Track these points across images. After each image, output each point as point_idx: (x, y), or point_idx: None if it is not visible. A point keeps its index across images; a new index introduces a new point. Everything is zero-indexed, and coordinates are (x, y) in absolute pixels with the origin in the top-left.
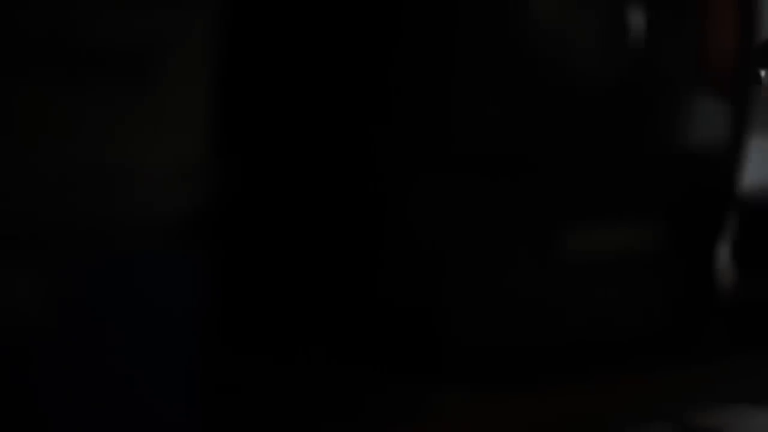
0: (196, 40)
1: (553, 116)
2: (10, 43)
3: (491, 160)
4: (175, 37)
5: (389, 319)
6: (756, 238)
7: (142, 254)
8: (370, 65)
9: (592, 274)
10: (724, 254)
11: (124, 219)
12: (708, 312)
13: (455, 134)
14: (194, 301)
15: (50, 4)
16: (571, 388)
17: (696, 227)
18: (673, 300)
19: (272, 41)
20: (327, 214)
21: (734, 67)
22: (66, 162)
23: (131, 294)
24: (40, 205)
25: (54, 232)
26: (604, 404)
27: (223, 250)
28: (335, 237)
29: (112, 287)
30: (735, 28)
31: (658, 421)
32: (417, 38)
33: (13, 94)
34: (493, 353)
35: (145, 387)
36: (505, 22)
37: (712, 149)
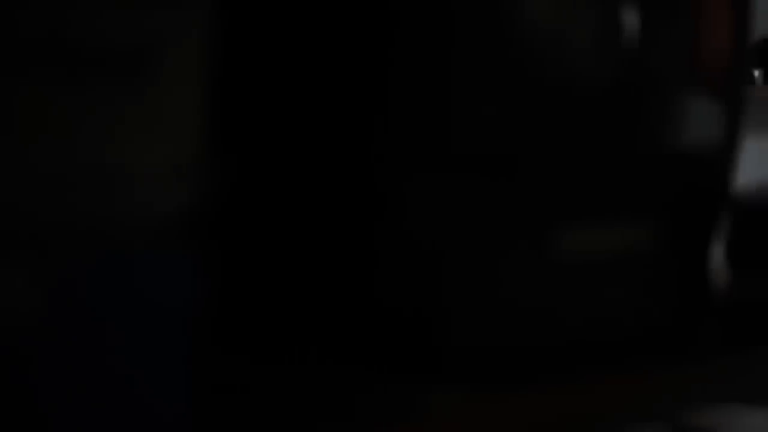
0: (192, 41)
1: (549, 116)
2: (6, 42)
3: (487, 161)
4: (171, 37)
5: (385, 319)
6: (750, 238)
7: (137, 253)
8: (366, 65)
9: (586, 274)
10: (717, 254)
11: (120, 218)
12: (702, 312)
13: (452, 135)
14: (189, 300)
15: (47, 4)
16: (566, 388)
17: (690, 227)
18: (668, 300)
19: (268, 41)
20: (323, 214)
21: (728, 67)
22: (61, 161)
23: (126, 293)
24: (35, 204)
25: (48, 231)
26: (599, 404)
27: (219, 250)
28: (331, 237)
29: (107, 286)
30: (728, 28)
31: (652, 421)
32: (413, 38)
33: (8, 93)
34: (489, 353)
35: (139, 385)
36: (501, 22)
37: (706, 149)
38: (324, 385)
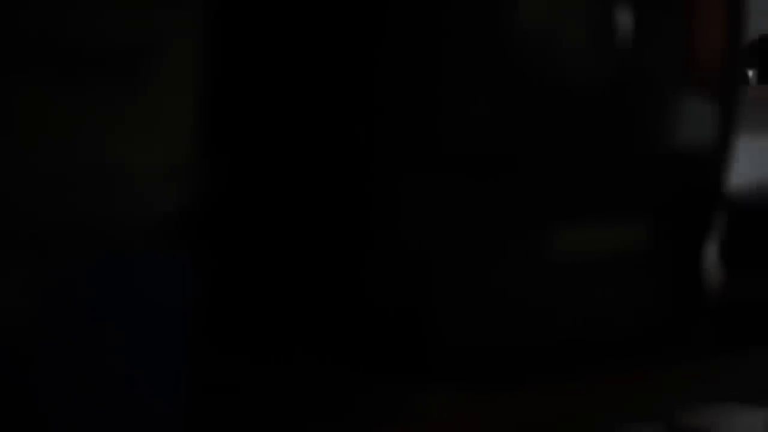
0: (186, 42)
1: (542, 116)
2: (3, 42)
3: (480, 160)
4: (166, 38)
5: (377, 319)
6: (743, 238)
7: (131, 253)
8: (358, 66)
9: (579, 273)
10: (712, 254)
11: (114, 218)
12: (696, 311)
13: (444, 134)
14: (183, 300)
15: (43, 4)
16: (559, 388)
17: (684, 227)
18: (661, 299)
19: (261, 42)
20: (314, 215)
21: (722, 67)
22: (56, 161)
23: (119, 293)
24: (29, 204)
25: (42, 230)
26: (593, 404)
27: (212, 250)
28: (322, 237)
29: (100, 286)
30: (722, 28)
31: (646, 421)
32: (405, 39)
33: (4, 93)
34: (481, 353)
35: (133, 385)
36: (494, 22)
37: (700, 149)
38: (315, 385)
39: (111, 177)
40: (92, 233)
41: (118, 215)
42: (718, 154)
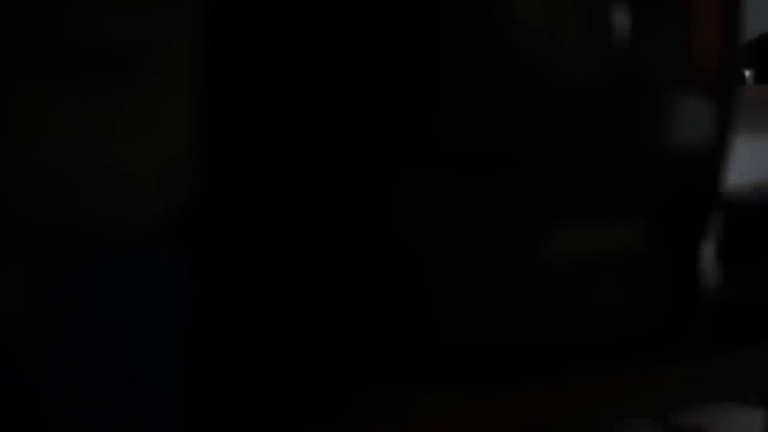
0: (182, 41)
1: (539, 116)
2: None
3: (477, 160)
4: (163, 38)
5: (374, 319)
6: (740, 238)
7: (127, 253)
8: (355, 66)
9: (577, 273)
10: (708, 254)
11: (110, 218)
12: (693, 311)
13: (442, 135)
14: (179, 300)
15: (39, 4)
16: (556, 388)
17: (681, 227)
18: (658, 299)
19: (258, 41)
20: (312, 214)
21: (719, 66)
22: (51, 161)
23: (115, 293)
24: (24, 203)
25: (38, 230)
26: (589, 404)
27: (209, 249)
28: (320, 237)
29: (97, 285)
30: (720, 28)
31: (643, 421)
32: (403, 39)
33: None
34: (479, 353)
35: (129, 385)
36: (491, 21)
37: (697, 149)
38: (312, 385)
39: (108, 176)
40: (89, 232)
41: (116, 215)
42: (716, 154)
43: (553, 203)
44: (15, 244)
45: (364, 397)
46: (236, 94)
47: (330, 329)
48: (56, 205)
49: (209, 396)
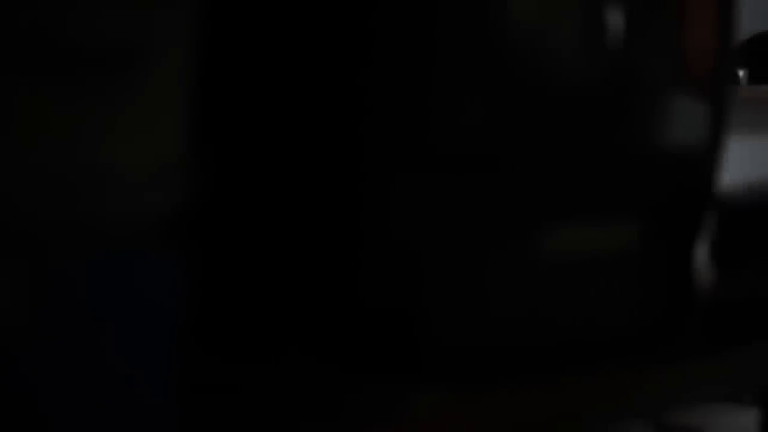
0: (177, 42)
1: (533, 116)
2: None
3: (471, 160)
4: (155, 39)
5: (368, 319)
6: (734, 238)
7: (122, 253)
8: (349, 66)
9: (570, 273)
10: (702, 254)
11: (105, 218)
12: (687, 311)
13: (436, 135)
14: (173, 300)
15: (34, 4)
16: (550, 388)
17: (674, 227)
18: (652, 299)
19: (252, 42)
20: (305, 215)
21: (713, 67)
22: (44, 162)
23: (109, 293)
24: (19, 203)
25: (33, 230)
26: (583, 404)
27: (203, 249)
28: (314, 237)
29: (90, 287)
30: (714, 28)
31: (637, 420)
32: (397, 39)
33: None
34: (472, 353)
35: (123, 385)
36: (486, 22)
37: (691, 149)
38: (307, 385)
39: (102, 176)
40: (82, 232)
41: (111, 215)
42: (709, 154)
43: (547, 203)
44: (10, 243)
45: (358, 397)
46: (230, 95)
47: (323, 329)
48: (50, 205)
49: (203, 395)
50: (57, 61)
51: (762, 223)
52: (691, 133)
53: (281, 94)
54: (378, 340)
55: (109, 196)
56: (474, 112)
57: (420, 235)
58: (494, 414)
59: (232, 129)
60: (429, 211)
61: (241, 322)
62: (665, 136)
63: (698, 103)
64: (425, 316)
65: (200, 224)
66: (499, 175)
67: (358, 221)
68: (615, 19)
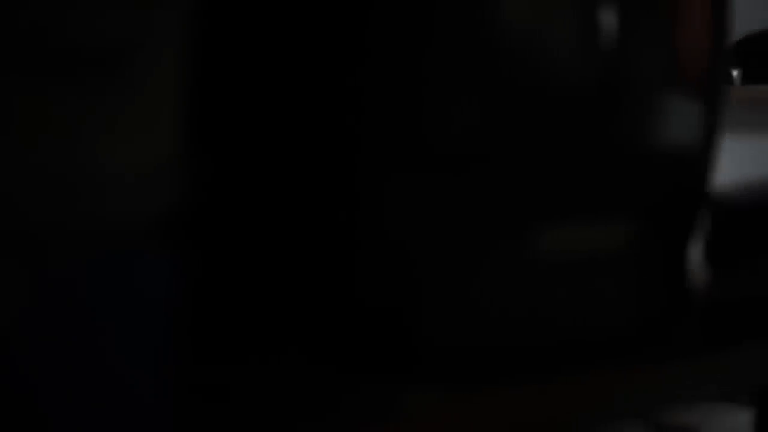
0: (170, 41)
1: (528, 116)
2: None
3: (466, 160)
4: (149, 38)
5: (362, 319)
6: (728, 238)
7: (115, 254)
8: (342, 66)
9: (565, 273)
10: (696, 253)
11: (100, 218)
12: (681, 311)
13: (431, 134)
14: (167, 301)
15: (26, 4)
16: (545, 387)
17: (669, 227)
18: (647, 299)
19: (246, 41)
20: (300, 214)
21: (706, 67)
22: (38, 162)
23: (104, 294)
24: (12, 204)
25: (26, 229)
26: (578, 403)
27: (197, 249)
28: (308, 237)
29: (85, 288)
30: (707, 28)
31: (631, 420)
32: (390, 38)
33: None
34: (467, 353)
35: (117, 385)
36: (480, 22)
37: (685, 149)
38: (301, 385)
39: (95, 178)
40: (78, 235)
41: (109, 215)
42: (703, 154)
43: (542, 203)
44: (3, 243)
45: (353, 397)
46: (226, 94)
47: (319, 329)
48: (45, 205)
49: (199, 395)
50: (54, 61)
51: (757, 222)
52: (685, 132)
53: (277, 94)
54: (373, 339)
55: (106, 197)
56: (469, 112)
57: (415, 234)
58: (489, 413)
59: (227, 129)
60: (424, 210)
61: (237, 321)
62: (659, 136)
63: (692, 104)
64: (420, 315)
65: (196, 224)
66: (495, 175)
67: (353, 221)
68: (609, 19)
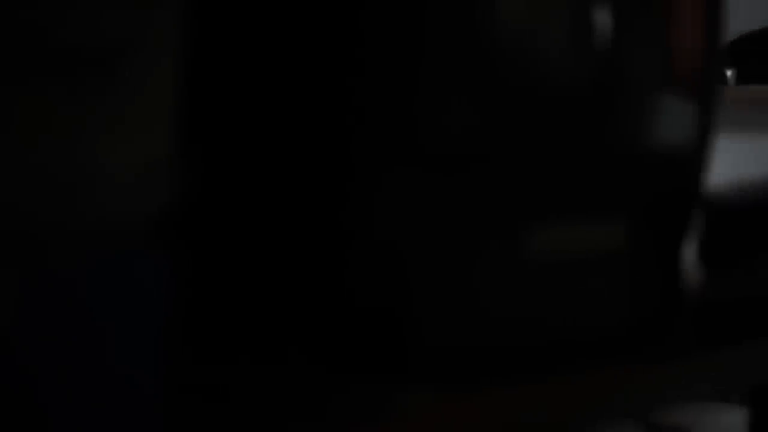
0: (163, 40)
1: (520, 116)
2: None
3: (459, 160)
4: (141, 37)
5: (356, 319)
6: (722, 238)
7: (107, 255)
8: (335, 65)
9: (558, 273)
10: (690, 254)
11: (89, 219)
12: (674, 311)
13: (423, 134)
14: (159, 302)
15: (18, 4)
16: (537, 388)
17: (662, 227)
18: (640, 299)
19: (238, 41)
20: (292, 214)
21: (700, 67)
22: (30, 162)
23: (95, 295)
24: (7, 204)
25: (19, 229)
26: (571, 403)
27: (189, 249)
28: (300, 237)
29: (76, 288)
30: (701, 28)
31: (625, 420)
32: (384, 37)
33: None
34: (460, 353)
35: (109, 385)
36: (474, 21)
37: (679, 149)
38: (294, 385)
39: (87, 178)
40: (69, 235)
41: (104, 214)
42: (697, 154)
43: (535, 203)
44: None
45: (345, 397)
46: (216, 94)
47: (311, 329)
48: (37, 205)
49: (190, 396)
50: (50, 60)
51: (751, 222)
52: (679, 132)
53: (266, 94)
54: (365, 339)
55: (105, 196)
56: (462, 112)
57: (408, 234)
58: (482, 414)
59: (218, 128)
60: (416, 210)
61: (228, 321)
62: (653, 136)
63: (686, 104)
64: (412, 315)
65: (187, 224)
66: (488, 175)
67: (345, 221)
68: (602, 19)
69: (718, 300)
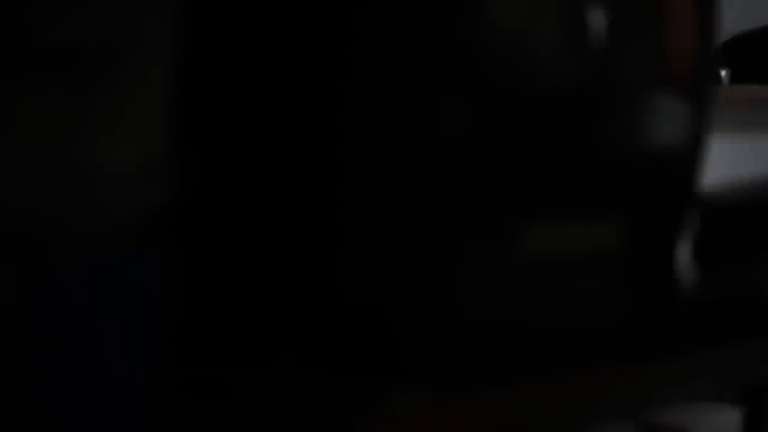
0: (157, 40)
1: (514, 116)
2: None
3: (451, 159)
4: (136, 37)
5: (348, 319)
6: (716, 238)
7: (101, 254)
8: (326, 65)
9: (552, 273)
10: (684, 253)
11: (83, 218)
12: (669, 311)
13: (416, 133)
14: (152, 301)
15: (14, 4)
16: (531, 388)
17: (657, 226)
18: (634, 299)
19: (232, 40)
20: (286, 214)
21: (694, 67)
22: (24, 161)
23: (94, 294)
24: (2, 205)
25: (14, 228)
26: (565, 403)
27: (183, 249)
28: (293, 236)
29: (70, 288)
30: (694, 28)
31: (619, 420)
32: (374, 38)
33: None
34: (453, 353)
35: (107, 386)
36: (466, 21)
37: (673, 149)
38: (288, 385)
39: (82, 177)
40: (64, 234)
41: (89, 216)
42: (691, 154)
43: (529, 202)
44: None
45: (337, 397)
46: (210, 93)
47: (303, 329)
48: (32, 204)
49: (184, 396)
50: (47, 60)
51: (745, 222)
52: (673, 132)
53: (260, 93)
54: (358, 339)
55: (102, 196)
56: (454, 111)
57: (401, 234)
58: (476, 413)
59: (212, 128)
60: (409, 210)
61: (222, 321)
62: (647, 136)
63: (680, 104)
64: (405, 315)
65: (181, 223)
66: (480, 175)
67: (338, 220)
68: (595, 19)
69: (712, 299)
